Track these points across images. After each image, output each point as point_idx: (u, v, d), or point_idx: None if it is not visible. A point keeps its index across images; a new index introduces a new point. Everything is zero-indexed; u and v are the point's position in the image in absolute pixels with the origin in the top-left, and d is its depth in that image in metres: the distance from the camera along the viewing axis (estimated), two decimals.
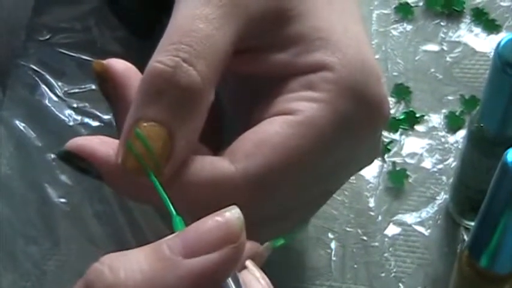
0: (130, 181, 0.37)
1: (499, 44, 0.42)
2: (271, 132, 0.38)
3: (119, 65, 0.39)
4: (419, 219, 0.55)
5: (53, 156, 0.57)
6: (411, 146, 0.57)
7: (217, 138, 0.42)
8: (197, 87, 0.36)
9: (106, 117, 0.59)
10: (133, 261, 0.32)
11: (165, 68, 0.36)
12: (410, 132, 0.58)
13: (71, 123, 0.59)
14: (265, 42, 0.40)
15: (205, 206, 0.38)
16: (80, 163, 0.38)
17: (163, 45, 0.37)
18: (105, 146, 0.37)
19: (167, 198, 0.35)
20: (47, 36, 0.63)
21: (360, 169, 0.45)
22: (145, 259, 0.32)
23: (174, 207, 0.35)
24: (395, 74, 0.60)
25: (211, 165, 0.38)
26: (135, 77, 0.38)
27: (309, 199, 0.42)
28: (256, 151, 0.38)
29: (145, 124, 0.36)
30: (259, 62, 0.40)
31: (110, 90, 0.39)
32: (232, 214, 0.32)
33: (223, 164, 0.38)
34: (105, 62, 0.39)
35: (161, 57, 0.36)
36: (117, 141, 0.37)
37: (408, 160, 0.57)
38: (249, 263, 0.35)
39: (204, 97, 0.37)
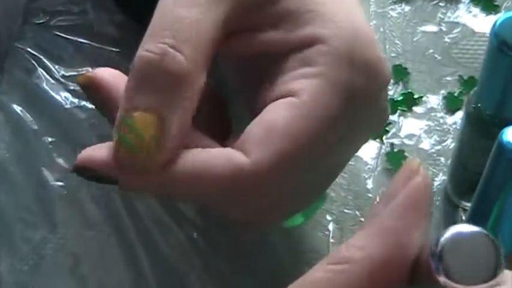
0: (143, 180, 0.37)
1: (495, 23, 0.42)
2: (278, 117, 0.38)
3: (104, 73, 0.39)
4: None
5: (49, 139, 0.57)
6: (409, 127, 0.57)
7: (224, 127, 0.42)
8: (185, 71, 0.36)
9: None
10: None
11: (152, 55, 0.36)
12: (408, 114, 0.58)
13: (68, 106, 0.59)
14: (257, 22, 0.40)
15: (223, 199, 0.39)
16: (93, 174, 0.38)
17: (150, 32, 0.37)
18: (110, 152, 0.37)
19: None
20: (44, 20, 0.63)
21: (372, 132, 0.45)
22: None
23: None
24: (393, 55, 0.60)
25: (228, 161, 0.37)
26: (121, 82, 0.38)
27: (323, 172, 0.42)
28: (266, 139, 0.37)
29: (135, 114, 0.36)
30: (253, 42, 0.40)
31: (97, 98, 0.39)
32: None
33: (239, 158, 0.37)
34: (89, 73, 0.39)
35: (148, 46, 0.36)
36: None
37: (406, 141, 0.57)
38: None
39: (194, 81, 0.37)
